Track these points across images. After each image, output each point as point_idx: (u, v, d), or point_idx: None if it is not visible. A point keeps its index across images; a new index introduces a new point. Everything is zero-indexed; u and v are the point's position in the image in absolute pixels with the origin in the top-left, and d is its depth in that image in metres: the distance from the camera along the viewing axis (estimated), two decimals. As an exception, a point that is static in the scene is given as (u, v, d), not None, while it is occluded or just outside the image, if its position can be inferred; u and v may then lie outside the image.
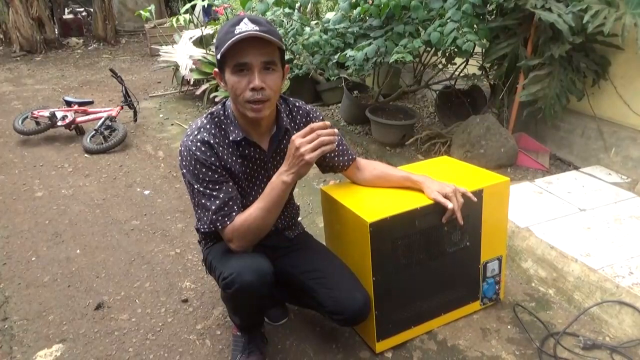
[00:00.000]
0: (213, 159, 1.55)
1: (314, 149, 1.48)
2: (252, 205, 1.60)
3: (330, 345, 1.95)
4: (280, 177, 1.56)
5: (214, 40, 1.80)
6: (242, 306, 1.68)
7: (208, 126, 1.58)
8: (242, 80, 1.47)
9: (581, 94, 3.11)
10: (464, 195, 1.77)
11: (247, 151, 1.63)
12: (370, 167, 1.92)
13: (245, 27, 1.42)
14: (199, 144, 1.54)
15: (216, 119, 1.60)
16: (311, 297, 1.77)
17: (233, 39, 1.40)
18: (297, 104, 1.74)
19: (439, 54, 3.46)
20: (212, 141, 1.56)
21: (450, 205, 1.72)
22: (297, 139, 1.49)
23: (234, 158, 1.61)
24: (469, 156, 3.21)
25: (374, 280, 1.76)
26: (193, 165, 1.55)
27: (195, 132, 1.57)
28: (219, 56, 1.46)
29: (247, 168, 1.65)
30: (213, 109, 1.62)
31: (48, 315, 2.18)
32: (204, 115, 1.62)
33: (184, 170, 1.58)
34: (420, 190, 1.81)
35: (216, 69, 1.57)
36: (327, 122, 1.54)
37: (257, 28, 1.42)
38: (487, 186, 1.89)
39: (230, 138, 1.58)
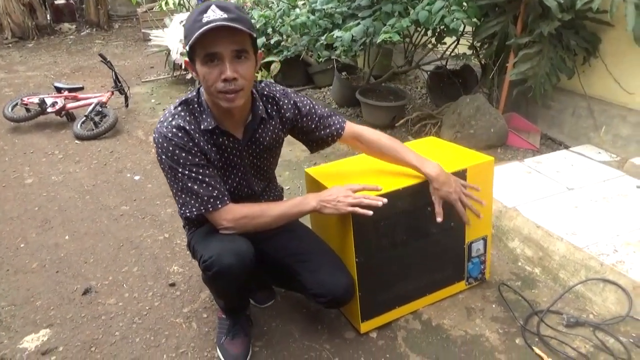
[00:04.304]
0: (191, 144, 1.52)
1: (350, 205, 1.59)
2: (268, 206, 1.68)
3: (315, 327, 1.96)
4: (311, 200, 1.65)
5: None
6: (223, 288, 1.68)
7: (182, 113, 1.54)
8: (214, 71, 1.42)
9: (572, 72, 3.08)
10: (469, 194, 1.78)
11: (220, 139, 1.59)
12: (378, 144, 1.79)
13: (214, 15, 1.36)
14: (174, 130, 1.51)
15: (190, 107, 1.56)
16: (295, 280, 1.77)
17: (202, 29, 1.35)
18: (265, 92, 1.67)
19: (429, 33, 3.43)
20: (187, 127, 1.52)
21: (439, 219, 1.74)
22: (349, 190, 1.63)
23: (209, 146, 1.57)
24: (459, 137, 3.20)
25: (357, 261, 1.77)
26: (172, 152, 1.51)
27: (170, 119, 1.53)
28: (187, 47, 1.41)
29: (222, 157, 1.62)
30: (187, 96, 1.58)
31: (36, 301, 2.19)
32: (177, 102, 1.58)
33: (163, 157, 1.54)
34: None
35: (186, 59, 1.51)
36: (384, 201, 1.62)
37: (226, 16, 1.37)
38: (471, 166, 1.88)
39: (202, 127, 1.54)
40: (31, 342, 1.95)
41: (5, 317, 2.10)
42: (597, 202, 2.44)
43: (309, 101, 1.74)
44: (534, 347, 1.79)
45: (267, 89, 1.68)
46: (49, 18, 9.79)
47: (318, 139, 1.78)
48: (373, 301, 1.87)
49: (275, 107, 1.68)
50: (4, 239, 2.70)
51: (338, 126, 1.77)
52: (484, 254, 2.07)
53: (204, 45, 1.39)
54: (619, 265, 1.99)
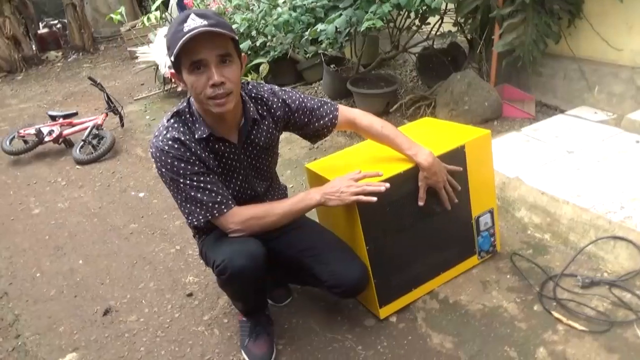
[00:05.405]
0: (188, 154, 1.54)
1: (353, 194, 1.62)
2: (273, 205, 1.70)
3: (335, 318, 1.98)
4: (315, 194, 1.68)
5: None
6: (239, 290, 1.70)
7: (176, 125, 1.56)
8: (201, 78, 1.44)
9: (558, 37, 3.08)
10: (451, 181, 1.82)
11: (216, 146, 1.61)
12: (371, 132, 1.81)
13: (194, 23, 1.38)
14: (170, 142, 1.53)
15: (182, 117, 1.58)
16: (310, 274, 1.79)
17: (184, 37, 1.36)
18: (253, 94, 1.68)
19: (412, 15, 3.43)
20: (182, 138, 1.54)
21: (421, 203, 1.80)
22: (350, 180, 1.66)
23: (206, 154, 1.59)
24: (454, 114, 3.20)
25: (368, 249, 1.78)
26: (171, 164, 1.54)
27: (164, 132, 1.55)
28: (172, 58, 1.43)
29: (220, 162, 1.64)
30: (179, 107, 1.60)
31: (58, 327, 2.22)
32: (169, 115, 1.59)
33: (163, 170, 1.56)
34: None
35: (172, 70, 1.52)
36: (386, 185, 1.65)
37: (206, 22, 1.39)
38: (469, 141, 1.89)
39: (196, 136, 1.56)
40: (59, 367, 1.99)
41: (31, 346, 2.13)
42: (598, 161, 2.45)
43: (297, 96, 1.75)
44: (552, 312, 1.81)
45: (254, 91, 1.69)
46: (34, 48, 9.78)
47: (314, 131, 1.80)
48: (388, 286, 1.89)
49: (265, 108, 1.69)
50: (20, 271, 2.73)
51: (331, 116, 1.78)
52: (492, 226, 2.09)
53: (188, 54, 1.41)
54: (627, 221, 2.01)
